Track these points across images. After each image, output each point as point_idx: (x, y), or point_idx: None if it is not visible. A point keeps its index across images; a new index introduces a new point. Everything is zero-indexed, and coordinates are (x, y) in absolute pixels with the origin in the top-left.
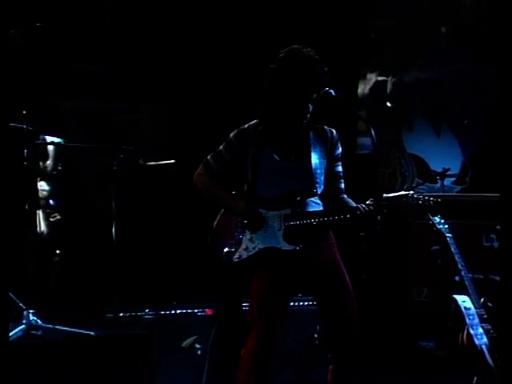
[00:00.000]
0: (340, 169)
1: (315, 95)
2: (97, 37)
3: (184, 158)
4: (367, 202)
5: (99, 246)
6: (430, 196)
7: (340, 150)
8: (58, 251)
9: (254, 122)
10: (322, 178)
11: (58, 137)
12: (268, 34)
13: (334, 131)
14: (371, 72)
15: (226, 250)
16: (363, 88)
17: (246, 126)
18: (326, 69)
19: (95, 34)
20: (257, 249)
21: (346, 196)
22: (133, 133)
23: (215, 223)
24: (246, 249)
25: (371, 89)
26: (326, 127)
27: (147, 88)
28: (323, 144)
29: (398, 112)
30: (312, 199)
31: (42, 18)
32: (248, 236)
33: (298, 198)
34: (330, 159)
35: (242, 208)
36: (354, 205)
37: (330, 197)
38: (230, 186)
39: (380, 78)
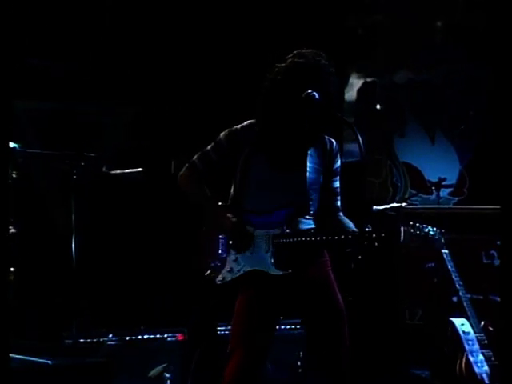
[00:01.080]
0: (337, 184)
1: (328, 108)
2: (56, 31)
3: (153, 166)
4: (367, 229)
5: (57, 263)
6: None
7: (339, 163)
8: (11, 269)
9: (247, 122)
10: (317, 195)
11: (11, 142)
12: (244, 30)
13: (335, 142)
14: (358, 72)
15: (209, 270)
16: (349, 90)
17: (239, 126)
18: (334, 77)
19: (54, 28)
20: (242, 271)
21: (342, 214)
22: (95, 137)
23: (197, 239)
24: (231, 271)
25: (359, 91)
26: (326, 137)
27: (112, 87)
28: (322, 156)
29: (389, 116)
30: (304, 218)
31: None
32: (233, 256)
33: (290, 215)
34: (327, 173)
35: (229, 225)
36: (351, 225)
37: (325, 215)
38: (216, 189)
39: (368, 79)
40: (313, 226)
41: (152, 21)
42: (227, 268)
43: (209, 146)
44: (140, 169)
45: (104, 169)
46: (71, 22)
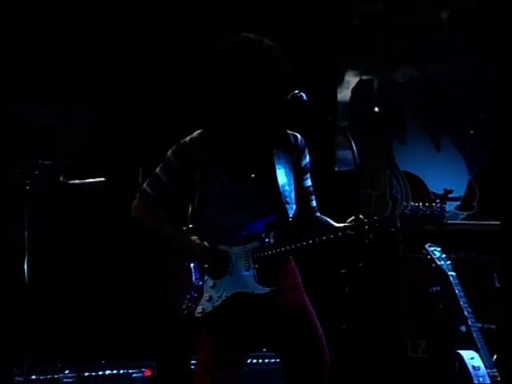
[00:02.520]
0: (310, 182)
1: (276, 98)
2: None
3: (116, 175)
4: (353, 218)
5: (6, 287)
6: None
7: (308, 158)
8: None
9: (197, 133)
10: (293, 196)
11: None
12: (213, 20)
13: (299, 136)
14: (353, 69)
15: (184, 303)
16: (343, 89)
17: (188, 139)
18: (288, 64)
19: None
20: (224, 297)
21: (320, 214)
22: (50, 143)
23: (165, 265)
24: (210, 299)
25: (353, 90)
26: (288, 132)
27: (69, 86)
28: (288, 153)
29: (388, 119)
30: (284, 225)
31: None
32: (210, 282)
33: (268, 225)
34: (297, 171)
35: (200, 249)
36: (334, 223)
37: (302, 218)
38: (179, 218)
39: (364, 77)
40: (292, 232)
41: (114, 16)
42: (206, 296)
43: (157, 169)
44: (102, 178)
45: (61, 178)
46: (23, 18)
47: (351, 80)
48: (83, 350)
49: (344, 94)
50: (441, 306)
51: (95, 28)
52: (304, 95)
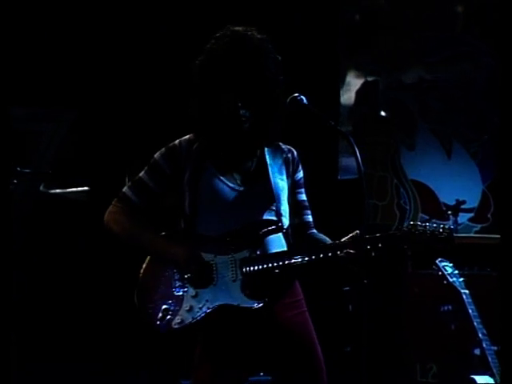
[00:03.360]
0: (305, 197)
1: (270, 95)
2: None
3: (101, 184)
4: (353, 236)
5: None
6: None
7: (302, 173)
8: None
9: (187, 136)
10: (287, 208)
11: None
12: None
13: (294, 150)
14: (357, 69)
15: (161, 313)
16: (347, 91)
17: (177, 142)
18: (279, 58)
19: None
20: (205, 309)
21: (316, 231)
22: (30, 149)
23: (142, 273)
24: (190, 310)
25: (358, 92)
26: (281, 144)
27: (50, 87)
28: (282, 165)
29: (395, 124)
30: (276, 237)
31: None
32: (192, 292)
33: (258, 236)
34: (291, 185)
35: (182, 256)
36: (330, 241)
37: (297, 233)
38: (160, 226)
39: (369, 78)
40: (286, 246)
41: (90, 17)
42: (185, 306)
43: (142, 173)
44: (85, 187)
45: (42, 187)
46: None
47: (355, 81)
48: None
49: (347, 96)
50: (453, 327)
51: (78, 30)
52: (304, 98)
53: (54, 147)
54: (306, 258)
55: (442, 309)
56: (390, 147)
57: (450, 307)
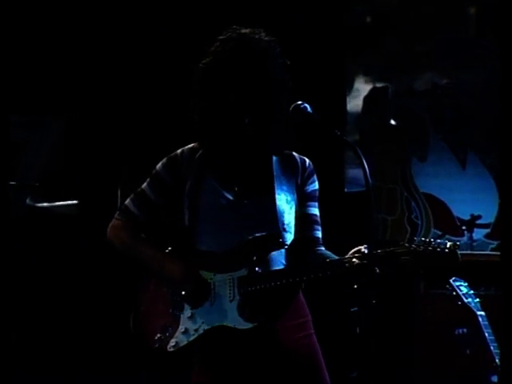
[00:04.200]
0: (316, 211)
1: (274, 105)
2: None
3: (91, 197)
4: (355, 252)
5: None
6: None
7: (316, 185)
8: None
9: (190, 145)
10: (291, 223)
11: None
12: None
13: (308, 160)
14: (366, 74)
15: (158, 335)
16: (354, 98)
17: (179, 151)
18: (288, 63)
19: None
20: (201, 331)
21: (324, 249)
22: (15, 160)
23: (141, 289)
24: (186, 332)
25: (365, 99)
26: (295, 154)
27: (37, 93)
28: (292, 176)
29: (406, 133)
30: (278, 253)
31: None
32: (188, 313)
33: (258, 253)
34: (301, 197)
35: (178, 273)
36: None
37: (302, 250)
38: (164, 240)
39: (378, 84)
40: (287, 264)
41: (78, 21)
42: (181, 328)
43: (144, 185)
44: (75, 201)
45: (28, 201)
46: None
47: (363, 87)
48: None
49: (354, 103)
50: (468, 352)
51: (67, 35)
52: (308, 106)
53: (41, 158)
54: (304, 277)
55: (456, 332)
56: (400, 158)
57: (464, 330)
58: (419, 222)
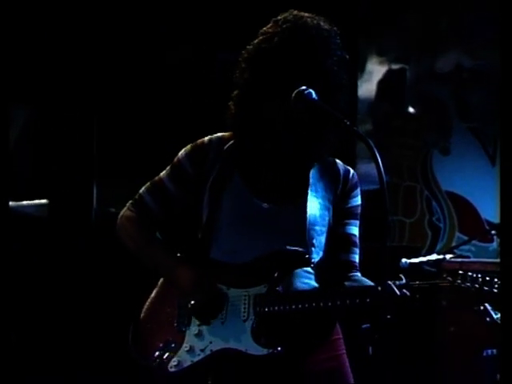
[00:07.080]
0: (355, 231)
1: (329, 97)
2: None
3: (63, 196)
4: (396, 282)
5: None
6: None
7: (359, 200)
8: None
9: (219, 134)
10: (322, 240)
11: None
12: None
13: (352, 171)
14: (380, 54)
15: (157, 352)
16: (366, 82)
17: (206, 139)
18: (346, 57)
19: None
20: (208, 351)
21: (360, 275)
22: None
23: (146, 305)
24: (191, 350)
25: (380, 84)
26: (338, 162)
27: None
28: (331, 187)
29: (426, 123)
30: (303, 273)
31: None
32: (194, 329)
33: (281, 269)
34: (337, 213)
35: (187, 280)
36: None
37: (334, 274)
38: (180, 239)
39: (394, 66)
40: (314, 285)
41: (56, 13)
42: (186, 346)
43: (163, 174)
44: (45, 200)
45: None
46: None
47: (377, 70)
48: None
49: (367, 88)
50: (498, 377)
51: (38, 23)
52: (313, 92)
53: (10, 152)
54: (338, 302)
55: (484, 353)
56: (419, 151)
57: (494, 351)
58: (441, 226)
